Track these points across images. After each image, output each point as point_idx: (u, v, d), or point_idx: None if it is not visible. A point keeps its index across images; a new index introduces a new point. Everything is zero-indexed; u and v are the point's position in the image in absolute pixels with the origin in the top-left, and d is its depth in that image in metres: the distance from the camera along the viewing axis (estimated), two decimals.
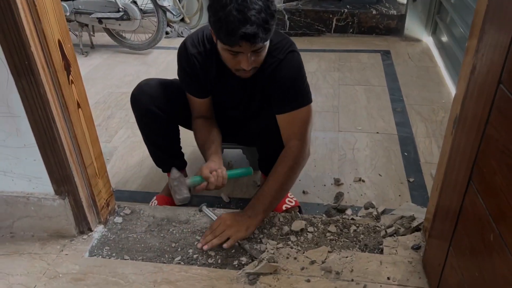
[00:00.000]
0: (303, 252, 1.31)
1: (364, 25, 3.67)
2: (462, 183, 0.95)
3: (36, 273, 1.28)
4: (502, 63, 0.76)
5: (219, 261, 1.29)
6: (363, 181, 1.87)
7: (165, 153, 1.65)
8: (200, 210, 1.50)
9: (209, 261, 1.30)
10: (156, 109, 1.50)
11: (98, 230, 1.42)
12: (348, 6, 3.71)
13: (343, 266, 1.25)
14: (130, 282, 1.24)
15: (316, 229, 1.40)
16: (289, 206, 1.63)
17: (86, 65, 3.28)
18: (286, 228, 1.39)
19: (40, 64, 1.09)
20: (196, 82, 1.47)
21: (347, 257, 1.28)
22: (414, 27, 3.72)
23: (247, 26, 1.15)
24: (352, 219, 1.51)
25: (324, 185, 1.85)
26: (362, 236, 1.37)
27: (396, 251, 1.30)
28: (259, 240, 1.35)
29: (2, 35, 1.05)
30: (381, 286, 1.20)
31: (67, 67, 1.18)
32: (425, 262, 1.24)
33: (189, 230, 1.42)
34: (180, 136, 1.69)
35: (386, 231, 1.38)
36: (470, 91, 0.94)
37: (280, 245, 1.33)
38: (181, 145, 1.71)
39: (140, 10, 3.29)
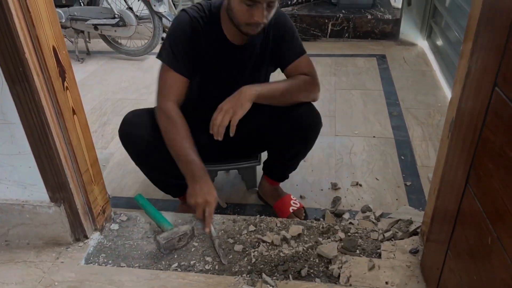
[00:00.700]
0: None
1: (360, 29, 3.69)
2: (459, 186, 0.95)
3: (31, 282, 1.27)
4: (497, 66, 0.76)
5: (217, 267, 1.28)
6: (360, 185, 1.86)
7: (173, 177, 1.55)
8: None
9: (207, 267, 1.29)
10: (149, 137, 1.41)
11: (94, 237, 1.41)
12: (343, 11, 3.73)
13: (341, 271, 1.24)
14: None
15: (313, 234, 1.39)
16: (295, 208, 1.64)
17: (82, 72, 3.28)
18: (283, 233, 1.38)
19: (35, 71, 1.09)
20: (187, 55, 1.38)
21: (345, 261, 1.28)
22: (409, 31, 3.74)
23: None
24: (350, 223, 1.50)
25: (321, 190, 1.85)
26: (360, 240, 1.36)
27: (394, 255, 1.30)
28: (257, 244, 1.34)
29: None
30: None
31: (62, 73, 1.17)
32: (423, 266, 1.24)
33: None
34: None
35: (383, 235, 1.38)
36: (465, 94, 0.94)
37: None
38: None
39: (136, 16, 3.29)
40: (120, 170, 2.05)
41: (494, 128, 0.78)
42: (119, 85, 3.04)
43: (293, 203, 1.67)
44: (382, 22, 3.64)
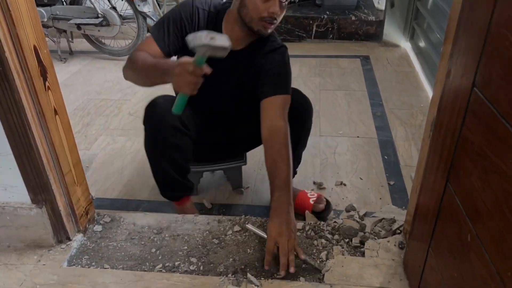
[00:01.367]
0: None
1: (344, 31, 3.72)
2: (440, 184, 0.96)
3: (12, 285, 1.24)
4: (475, 67, 0.78)
5: (201, 267, 1.28)
6: (345, 184, 1.88)
7: (179, 174, 1.52)
8: (246, 229, 1.42)
9: (191, 268, 1.28)
10: (177, 124, 1.39)
11: (77, 239, 1.39)
12: (327, 12, 3.75)
13: (325, 270, 1.25)
14: None
15: (300, 233, 1.40)
16: (315, 199, 1.67)
17: (64, 72, 3.24)
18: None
19: (15, 70, 1.07)
20: (175, 37, 1.39)
21: (329, 260, 1.29)
22: (392, 32, 3.79)
23: None
24: (335, 222, 1.51)
25: (306, 190, 1.85)
26: (343, 239, 1.38)
27: (377, 253, 1.31)
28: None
29: None
30: None
31: (44, 73, 1.16)
32: (405, 264, 1.26)
33: (170, 236, 1.40)
34: None
35: (367, 234, 1.39)
36: (445, 95, 0.96)
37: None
38: None
39: (120, 16, 3.26)
40: (103, 171, 2.03)
41: (473, 128, 0.80)
42: (102, 85, 3.00)
43: (310, 195, 1.68)
44: (366, 24, 3.68)
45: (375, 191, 1.84)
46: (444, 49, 1.03)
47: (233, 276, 1.24)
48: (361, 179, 1.92)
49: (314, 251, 1.33)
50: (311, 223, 1.44)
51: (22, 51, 1.07)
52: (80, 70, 3.31)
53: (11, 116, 1.13)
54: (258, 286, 1.20)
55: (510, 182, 0.66)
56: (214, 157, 1.73)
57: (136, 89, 2.90)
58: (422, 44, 3.23)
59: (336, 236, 1.39)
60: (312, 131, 2.33)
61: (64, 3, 3.45)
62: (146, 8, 3.20)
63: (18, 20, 1.04)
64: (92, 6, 3.24)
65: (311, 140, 2.03)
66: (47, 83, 1.18)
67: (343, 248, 1.34)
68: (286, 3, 1.34)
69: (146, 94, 2.81)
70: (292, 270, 1.21)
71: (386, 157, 2.08)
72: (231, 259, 1.30)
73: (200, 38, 1.09)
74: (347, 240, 1.37)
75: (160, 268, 1.29)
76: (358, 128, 2.35)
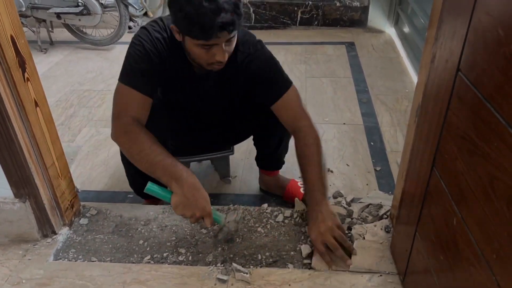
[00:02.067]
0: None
1: (329, 17, 3.70)
2: (425, 169, 0.97)
3: None
4: (460, 51, 0.78)
5: (190, 258, 1.28)
6: (332, 171, 1.89)
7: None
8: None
9: (180, 258, 1.28)
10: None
11: (63, 233, 1.38)
12: None
13: (314, 256, 1.26)
14: (98, 284, 1.20)
15: (288, 221, 1.41)
16: None
17: (45, 62, 3.16)
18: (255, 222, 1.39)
19: None
20: (148, 74, 1.25)
21: None
22: (377, 18, 3.78)
23: (222, 15, 1.08)
24: None
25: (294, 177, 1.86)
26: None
27: (364, 238, 1.33)
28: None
29: None
30: (351, 273, 1.21)
31: (22, 64, 1.13)
32: (393, 248, 1.27)
33: (158, 228, 1.39)
34: None
35: (354, 220, 1.40)
36: (430, 80, 0.96)
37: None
38: None
39: (101, 4, 3.18)
40: (88, 163, 2.00)
41: (458, 112, 0.80)
42: (85, 76, 2.95)
43: (301, 184, 1.67)
44: (350, 10, 3.66)
45: (361, 177, 1.85)
46: (428, 33, 1.02)
47: (221, 265, 1.24)
48: (347, 165, 1.93)
49: (302, 238, 1.33)
50: (298, 211, 1.44)
51: None
52: (62, 60, 3.24)
53: None
54: (246, 273, 1.20)
55: (495, 165, 0.67)
56: (202, 150, 1.72)
57: None
58: (406, 29, 3.24)
59: None
60: None
61: None
62: None
63: None
64: None
65: None
66: (26, 74, 1.15)
67: None
68: (234, 37, 1.20)
69: None
70: (349, 262, 1.22)
71: (372, 143, 2.09)
72: (219, 249, 1.30)
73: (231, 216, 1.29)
74: None
75: (149, 259, 1.28)
76: (344, 114, 2.35)
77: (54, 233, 1.36)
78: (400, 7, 3.46)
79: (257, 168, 1.76)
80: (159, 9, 3.92)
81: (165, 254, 1.29)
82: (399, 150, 1.97)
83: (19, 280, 1.22)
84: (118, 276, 1.22)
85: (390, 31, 3.59)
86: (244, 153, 2.02)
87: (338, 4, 3.66)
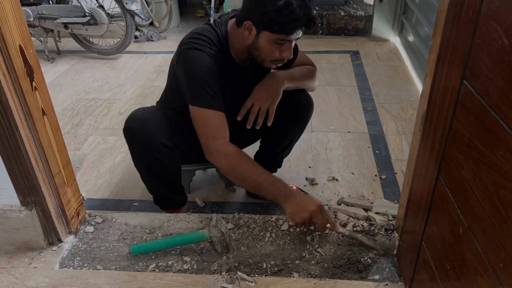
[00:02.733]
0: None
1: (333, 26, 3.72)
2: (431, 177, 0.97)
3: None
4: (464, 59, 0.78)
5: (195, 266, 1.28)
6: (337, 180, 1.88)
7: (170, 190, 1.54)
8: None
9: (185, 267, 1.28)
10: (165, 140, 1.37)
11: (69, 241, 1.38)
12: (316, 8, 3.75)
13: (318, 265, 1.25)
14: None
15: (293, 228, 1.40)
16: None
17: (52, 72, 3.20)
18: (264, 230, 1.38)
19: (1, 71, 1.05)
20: (218, 89, 1.32)
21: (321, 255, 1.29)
22: (381, 27, 3.79)
23: (310, 12, 1.24)
24: None
25: (299, 185, 1.86)
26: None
27: None
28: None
29: None
30: (357, 281, 1.21)
31: (30, 73, 1.14)
32: (399, 257, 1.26)
33: (163, 236, 1.39)
34: None
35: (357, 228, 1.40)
36: (436, 88, 0.96)
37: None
38: None
39: (108, 14, 3.22)
40: (94, 172, 2.01)
41: (463, 120, 0.80)
42: (91, 85, 2.97)
43: (290, 185, 1.66)
44: (355, 19, 3.68)
45: (367, 185, 1.84)
46: (433, 42, 1.03)
47: (226, 273, 1.24)
48: (353, 173, 1.92)
49: (307, 246, 1.33)
50: None
51: (7, 51, 1.05)
52: (68, 70, 3.27)
53: None
54: (251, 282, 1.20)
55: (501, 174, 0.66)
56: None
57: (126, 88, 2.88)
58: (411, 38, 3.25)
59: None
60: None
61: (51, 2, 3.40)
62: (134, 6, 3.16)
63: (2, 19, 1.02)
64: (79, 4, 3.20)
65: (302, 136, 2.04)
66: (34, 83, 1.16)
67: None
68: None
69: (136, 93, 2.80)
70: (268, 122, 1.40)
71: (377, 151, 2.08)
72: (224, 257, 1.30)
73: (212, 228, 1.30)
74: None
75: (154, 267, 1.28)
76: (349, 123, 2.35)
77: (60, 241, 1.36)
78: (404, 16, 3.48)
79: None
80: (165, 19, 3.96)
81: (170, 262, 1.29)
82: (404, 159, 1.97)
83: None
84: (123, 284, 1.22)
85: (395, 39, 3.60)
86: None
87: (342, 13, 3.68)
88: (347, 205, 1.66)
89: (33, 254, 1.34)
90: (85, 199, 1.73)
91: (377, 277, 1.22)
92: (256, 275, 1.23)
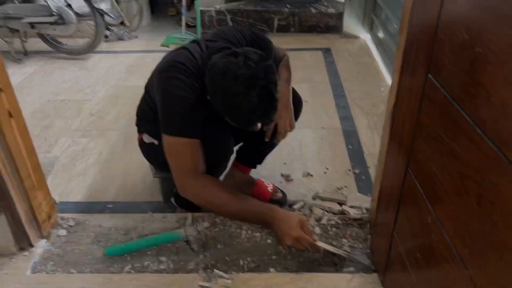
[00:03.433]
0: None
1: (305, 23, 3.76)
2: (400, 170, 0.99)
3: None
4: (429, 54, 0.81)
5: (171, 266, 1.27)
6: (312, 175, 1.91)
7: None
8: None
9: (161, 267, 1.27)
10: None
11: (41, 245, 1.35)
12: (288, 6, 3.78)
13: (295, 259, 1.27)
14: None
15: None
16: (272, 188, 1.72)
17: (20, 73, 3.10)
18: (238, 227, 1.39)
19: None
20: (196, 116, 1.27)
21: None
22: (352, 24, 3.86)
23: (271, 112, 1.18)
24: (304, 215, 1.54)
25: (274, 182, 1.87)
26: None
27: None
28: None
29: None
30: (333, 274, 1.23)
31: None
32: (372, 249, 1.29)
33: (138, 237, 1.38)
34: None
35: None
36: (403, 83, 0.99)
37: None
38: None
39: (76, 13, 3.15)
40: (66, 174, 1.97)
41: (429, 113, 0.83)
42: (61, 86, 2.90)
43: (267, 183, 1.72)
44: (326, 16, 3.73)
45: (341, 180, 1.87)
46: (400, 38, 1.05)
47: (203, 272, 1.24)
48: (327, 168, 1.95)
49: None
50: None
51: None
52: (37, 71, 3.18)
53: None
54: (228, 279, 1.20)
55: (466, 165, 0.69)
56: None
57: (97, 88, 2.83)
58: (381, 34, 3.31)
59: None
60: None
61: (16, 1, 3.30)
62: (103, 5, 3.10)
63: None
64: (46, 3, 3.11)
65: None
66: None
67: None
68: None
69: (108, 94, 2.75)
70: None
71: (350, 146, 2.12)
72: (201, 256, 1.30)
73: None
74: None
75: (129, 269, 1.26)
76: (322, 119, 2.38)
77: (31, 246, 1.33)
78: (374, 13, 3.54)
79: None
80: (136, 18, 3.90)
81: (146, 263, 1.28)
82: (376, 153, 2.01)
83: None
84: (98, 287, 1.21)
85: (365, 36, 3.67)
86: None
87: (313, 10, 3.72)
88: (322, 200, 1.68)
89: (3, 260, 1.30)
90: (57, 202, 1.69)
91: (352, 269, 1.24)
92: (233, 272, 1.24)
